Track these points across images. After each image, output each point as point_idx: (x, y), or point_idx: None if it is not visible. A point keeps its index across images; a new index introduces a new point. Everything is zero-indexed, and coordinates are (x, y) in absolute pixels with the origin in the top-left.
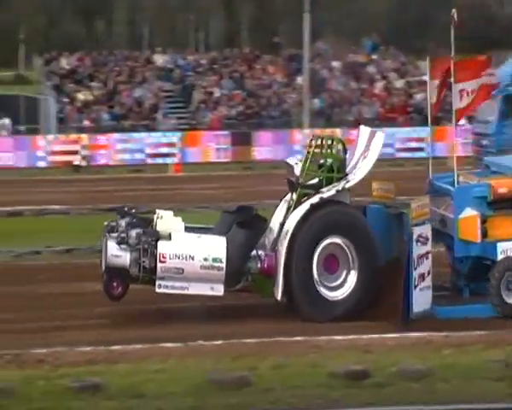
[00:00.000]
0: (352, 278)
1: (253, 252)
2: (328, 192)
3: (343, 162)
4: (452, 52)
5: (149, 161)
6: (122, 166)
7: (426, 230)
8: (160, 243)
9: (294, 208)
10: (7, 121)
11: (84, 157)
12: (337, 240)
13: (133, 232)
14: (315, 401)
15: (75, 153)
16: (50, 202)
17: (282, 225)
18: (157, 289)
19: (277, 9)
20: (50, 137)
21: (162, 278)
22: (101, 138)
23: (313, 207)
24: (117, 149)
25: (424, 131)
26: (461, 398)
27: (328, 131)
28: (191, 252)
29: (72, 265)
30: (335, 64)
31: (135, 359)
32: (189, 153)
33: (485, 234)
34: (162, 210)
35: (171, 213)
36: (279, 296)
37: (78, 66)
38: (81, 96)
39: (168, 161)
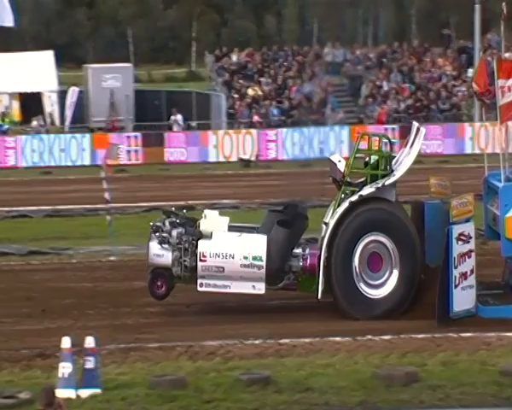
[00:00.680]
0: (394, 277)
1: (298, 250)
2: (367, 190)
3: (388, 159)
4: (502, 47)
5: (317, 155)
6: (290, 160)
7: (468, 228)
8: (201, 242)
9: (338, 206)
10: (179, 117)
11: (253, 152)
12: (380, 238)
13: (174, 232)
14: (485, 400)
15: (244, 148)
16: (221, 197)
17: (326, 223)
18: (199, 288)
19: (448, 1)
20: (221, 132)
21: (203, 277)
22: (270, 133)
23: (352, 204)
24: (286, 143)
25: None
26: None
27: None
28: (231, 251)
29: None
30: (507, 56)
31: (304, 353)
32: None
33: None
34: (209, 210)
35: (216, 212)
36: (319, 295)
37: (247, 62)
38: (251, 91)
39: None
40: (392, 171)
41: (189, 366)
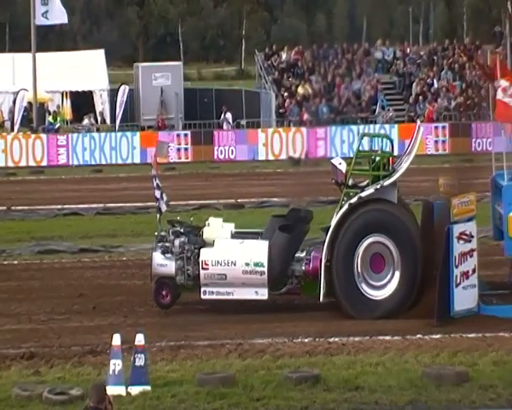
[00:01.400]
0: (396, 278)
1: (300, 254)
2: (366, 191)
3: (390, 160)
4: (508, 46)
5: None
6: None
7: (470, 227)
8: (203, 251)
9: (340, 209)
10: (229, 115)
11: (302, 150)
12: (381, 239)
13: (177, 241)
14: None
15: (293, 146)
16: (270, 195)
17: (329, 227)
18: (202, 296)
19: None
20: (270, 130)
21: (206, 285)
22: (320, 131)
23: (352, 207)
24: (335, 141)
25: None
26: None
27: None
28: (233, 258)
29: None
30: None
31: (354, 351)
32: (403, 145)
33: None
34: (213, 217)
35: (220, 220)
36: (321, 297)
37: (297, 59)
38: (300, 89)
39: None
40: (394, 171)
41: (239, 364)
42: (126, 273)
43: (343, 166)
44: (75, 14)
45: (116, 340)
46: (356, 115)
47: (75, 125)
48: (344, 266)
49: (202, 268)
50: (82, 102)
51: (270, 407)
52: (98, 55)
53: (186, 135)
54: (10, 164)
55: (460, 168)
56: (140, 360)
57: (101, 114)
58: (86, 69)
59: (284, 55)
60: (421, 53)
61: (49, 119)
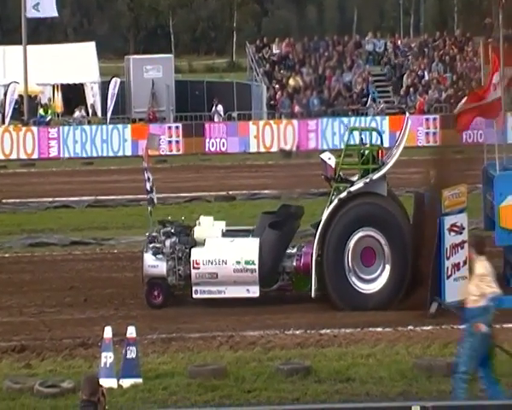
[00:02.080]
0: (386, 271)
1: (291, 250)
2: (356, 185)
3: (379, 153)
4: (501, 37)
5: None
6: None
7: (461, 219)
8: (194, 250)
9: (330, 203)
10: (220, 107)
11: (293, 143)
12: (371, 233)
13: (168, 242)
14: None
15: (284, 138)
16: (261, 187)
17: (319, 222)
18: (194, 295)
19: None
20: (261, 122)
21: (198, 284)
22: (311, 123)
23: (341, 201)
24: (326, 133)
25: None
26: None
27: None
28: (224, 256)
29: None
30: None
31: (345, 343)
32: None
33: None
34: (204, 216)
35: (211, 218)
36: (313, 293)
37: (288, 52)
38: (291, 81)
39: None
40: (384, 164)
41: (230, 356)
42: (117, 266)
43: (332, 161)
44: (66, 7)
45: (107, 332)
46: (347, 107)
47: (66, 117)
48: (335, 261)
49: (193, 268)
50: (73, 94)
51: (261, 399)
52: (89, 48)
53: (177, 127)
54: (1, 157)
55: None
56: (131, 353)
57: (93, 106)
58: (77, 62)
59: (275, 48)
60: (412, 45)
61: (40, 111)
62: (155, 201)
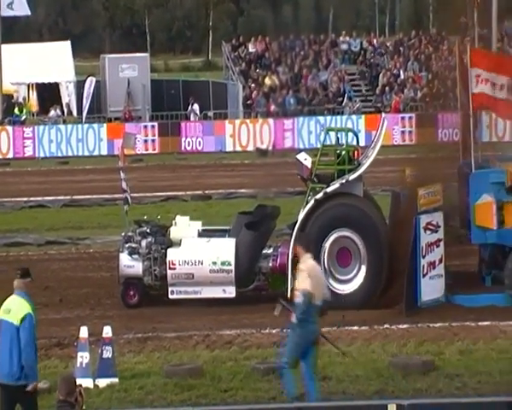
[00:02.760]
0: (362, 272)
1: (268, 250)
2: (332, 186)
3: (355, 153)
4: (476, 35)
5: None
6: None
7: (436, 217)
8: (170, 251)
9: (306, 204)
10: (196, 106)
11: (269, 142)
12: (347, 233)
13: (144, 242)
14: (502, 389)
15: (260, 137)
16: (237, 186)
17: (295, 222)
18: (170, 296)
19: None
20: (237, 121)
21: (174, 285)
22: (287, 122)
23: (318, 202)
24: (302, 132)
25: None
26: None
27: None
28: (200, 257)
29: None
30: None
31: (321, 342)
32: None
33: (502, 221)
34: (180, 216)
35: (187, 218)
36: (289, 293)
37: (264, 51)
38: (267, 80)
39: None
40: (360, 165)
41: (206, 355)
42: (93, 265)
43: (308, 162)
44: (40, 6)
45: (83, 332)
46: (323, 106)
47: (41, 117)
48: None
49: (169, 268)
50: (48, 93)
51: (237, 398)
52: (64, 47)
53: (153, 126)
54: None
55: (426, 159)
56: (107, 353)
57: (68, 105)
58: (52, 61)
59: (251, 47)
60: (388, 44)
61: (15, 111)
62: (130, 200)
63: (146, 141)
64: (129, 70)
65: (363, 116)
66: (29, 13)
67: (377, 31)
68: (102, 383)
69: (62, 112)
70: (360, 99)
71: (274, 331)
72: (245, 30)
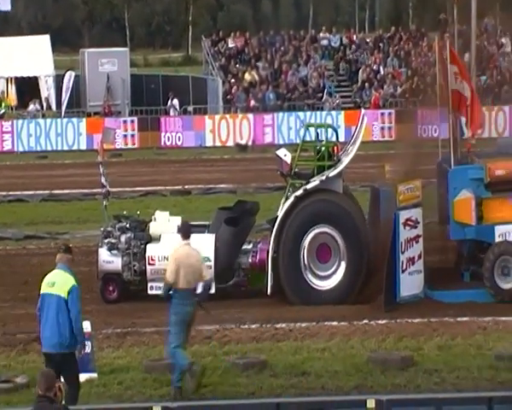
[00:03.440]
0: (342, 268)
1: (247, 246)
2: (312, 183)
3: (335, 149)
4: (455, 32)
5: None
6: (287, 145)
7: (415, 213)
8: (149, 246)
9: (286, 200)
10: (175, 101)
11: (249, 137)
12: (326, 230)
13: (123, 237)
14: (481, 384)
15: (240, 132)
16: (217, 181)
17: (275, 219)
18: (149, 291)
19: None
20: (217, 117)
21: (153, 280)
22: (267, 118)
23: (298, 198)
24: (282, 128)
25: None
26: None
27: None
28: None
29: None
30: (504, 40)
31: (300, 337)
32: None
33: (481, 217)
34: (159, 211)
35: (166, 213)
36: (269, 290)
37: (244, 46)
38: (247, 76)
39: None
40: (339, 161)
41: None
42: (72, 260)
43: (288, 158)
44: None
45: None
46: (303, 102)
47: (20, 111)
48: (290, 258)
49: (149, 264)
50: (27, 87)
51: (217, 394)
52: (43, 41)
53: (133, 121)
54: None
55: (406, 155)
56: (86, 348)
57: (47, 100)
58: (31, 55)
59: (231, 42)
60: (368, 40)
61: None
62: (109, 195)
63: (125, 136)
64: (108, 64)
65: (342, 112)
66: (9, 9)
67: (357, 27)
68: (81, 378)
69: (41, 106)
70: (340, 95)
71: (253, 327)
72: (225, 25)
